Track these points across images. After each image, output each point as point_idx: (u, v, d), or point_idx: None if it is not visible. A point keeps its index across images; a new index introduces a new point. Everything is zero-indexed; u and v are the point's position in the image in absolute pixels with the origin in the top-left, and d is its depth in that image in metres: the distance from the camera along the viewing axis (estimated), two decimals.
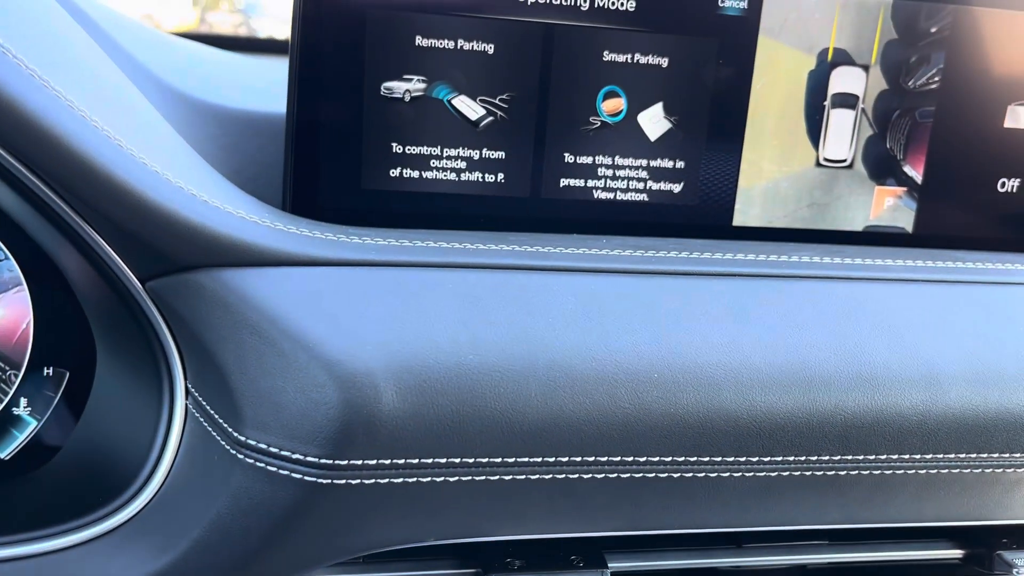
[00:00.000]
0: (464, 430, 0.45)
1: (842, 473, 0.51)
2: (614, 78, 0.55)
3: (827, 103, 0.58)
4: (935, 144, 0.60)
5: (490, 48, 0.54)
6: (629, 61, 0.55)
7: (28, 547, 0.49)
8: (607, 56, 0.55)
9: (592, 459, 0.47)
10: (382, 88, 0.53)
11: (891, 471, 0.52)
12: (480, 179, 0.55)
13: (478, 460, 0.46)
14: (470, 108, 0.54)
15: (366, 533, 0.48)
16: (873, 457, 0.51)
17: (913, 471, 0.52)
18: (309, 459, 0.44)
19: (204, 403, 0.48)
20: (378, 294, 0.46)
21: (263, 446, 0.45)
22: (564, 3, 0.54)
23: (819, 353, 0.50)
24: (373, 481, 0.45)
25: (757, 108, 0.57)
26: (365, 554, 0.51)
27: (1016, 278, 0.57)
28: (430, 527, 0.49)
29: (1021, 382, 0.52)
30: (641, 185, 0.57)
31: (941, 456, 0.52)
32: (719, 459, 0.49)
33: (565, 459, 0.47)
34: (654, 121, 0.56)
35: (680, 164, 0.57)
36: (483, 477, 0.47)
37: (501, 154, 0.55)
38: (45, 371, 0.54)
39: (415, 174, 0.54)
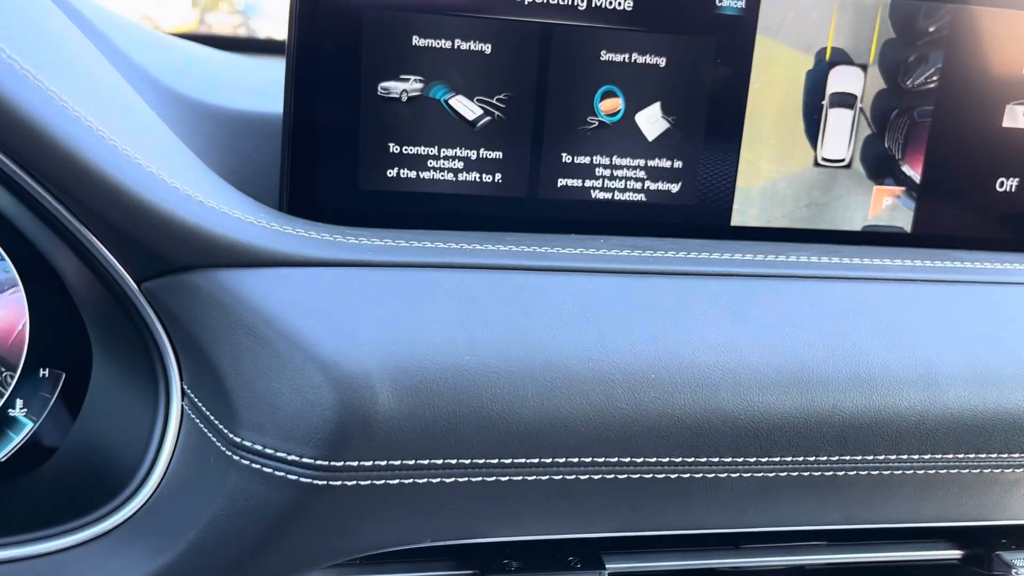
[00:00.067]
0: (461, 431, 0.45)
1: (840, 474, 0.51)
2: (612, 78, 0.55)
3: (825, 103, 0.58)
4: (933, 144, 0.60)
5: (487, 48, 0.54)
6: (627, 61, 0.55)
7: (24, 549, 0.49)
8: (604, 56, 0.55)
9: (589, 460, 0.47)
10: (379, 88, 0.53)
11: (889, 471, 0.51)
12: (477, 179, 0.55)
13: (475, 461, 0.46)
14: (467, 108, 0.54)
15: (362, 534, 0.48)
16: (871, 457, 0.51)
17: (911, 471, 0.52)
18: (305, 460, 0.44)
19: (200, 404, 0.48)
20: (374, 295, 0.46)
21: (259, 447, 0.45)
22: (561, 3, 0.54)
23: (817, 353, 0.49)
24: (369, 482, 0.45)
25: (755, 108, 0.57)
26: (362, 555, 0.51)
27: (1015, 278, 0.57)
28: (427, 528, 0.49)
29: (1019, 382, 0.52)
30: (639, 185, 0.57)
31: (939, 456, 0.52)
32: (716, 460, 0.49)
33: (562, 460, 0.47)
34: (652, 121, 0.56)
35: (678, 164, 0.57)
36: (480, 478, 0.47)
37: (498, 154, 0.55)
38: (41, 373, 0.54)
39: (412, 174, 0.54)
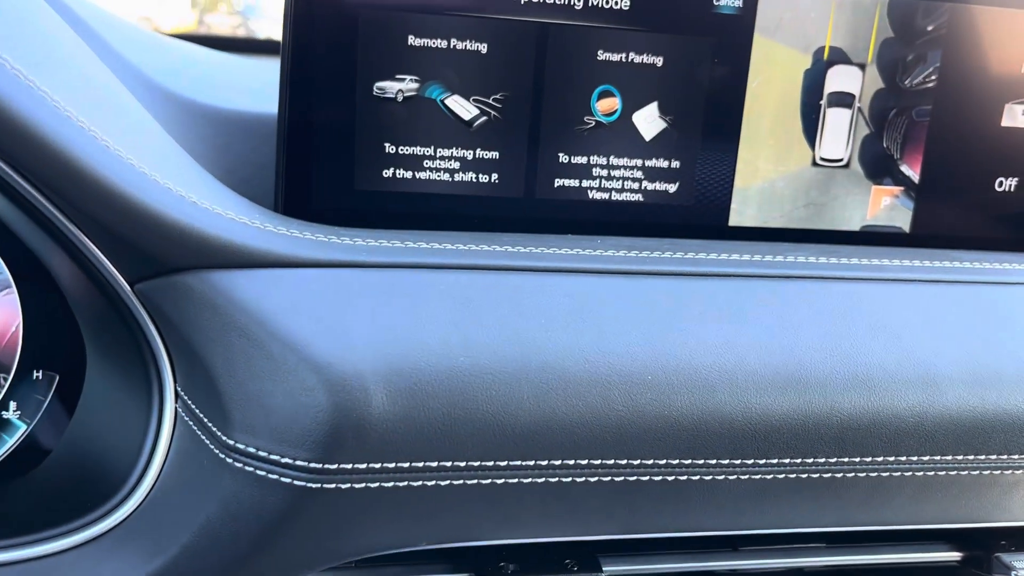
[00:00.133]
0: (456, 433, 0.45)
1: (838, 476, 0.51)
2: (609, 77, 0.55)
3: (823, 102, 0.58)
4: (932, 143, 0.59)
5: (483, 47, 0.53)
6: (624, 60, 0.55)
7: (17, 552, 0.48)
8: (601, 55, 0.55)
9: (585, 462, 0.47)
10: (375, 88, 0.52)
11: (888, 473, 0.51)
12: (474, 179, 0.55)
13: (470, 464, 0.46)
14: (463, 108, 0.54)
15: (357, 538, 0.48)
16: (870, 459, 0.50)
17: (910, 473, 0.52)
18: (298, 463, 0.44)
19: (193, 406, 0.48)
20: (368, 296, 0.46)
21: (252, 450, 0.45)
22: (558, 2, 0.53)
23: (815, 354, 0.49)
24: (364, 485, 0.45)
25: (753, 107, 0.57)
26: (357, 559, 0.51)
27: (1014, 278, 0.56)
28: (422, 531, 0.49)
29: (1019, 383, 0.51)
30: (636, 185, 0.57)
31: (939, 458, 0.51)
32: (714, 462, 0.48)
33: (558, 462, 0.47)
34: (649, 121, 0.56)
35: (675, 164, 0.57)
36: (475, 481, 0.46)
37: (495, 154, 0.55)
38: (35, 374, 0.54)
39: (408, 175, 0.54)
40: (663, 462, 0.48)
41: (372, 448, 0.44)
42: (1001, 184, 0.61)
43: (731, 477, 0.49)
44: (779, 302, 0.51)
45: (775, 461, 0.49)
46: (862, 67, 0.58)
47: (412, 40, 0.52)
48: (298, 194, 0.53)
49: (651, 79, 0.55)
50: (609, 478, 0.48)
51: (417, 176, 0.54)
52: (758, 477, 0.50)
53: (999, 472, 0.53)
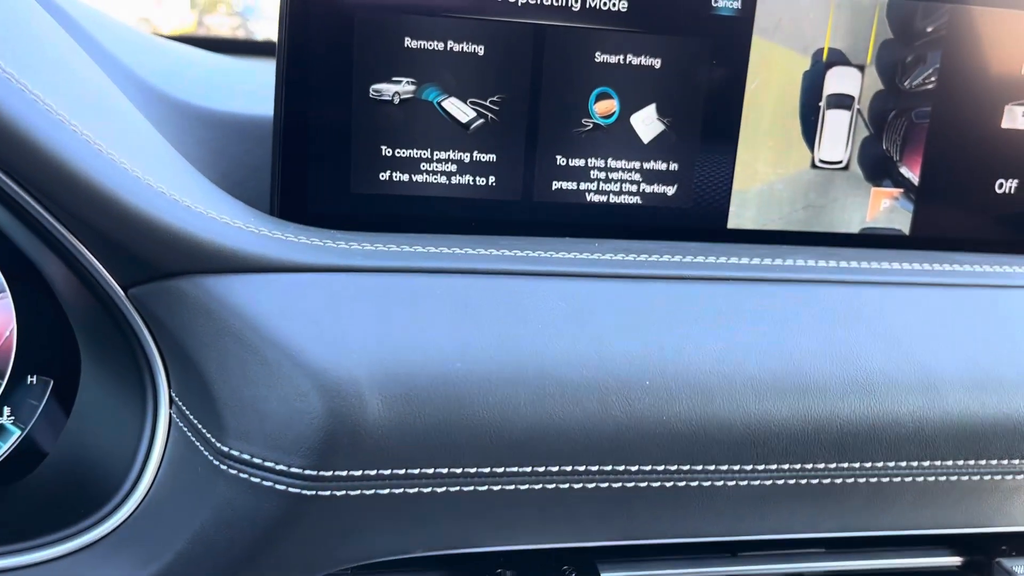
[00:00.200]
0: (452, 439, 0.44)
1: (838, 481, 0.50)
2: (606, 79, 0.55)
3: (822, 104, 0.58)
4: (932, 145, 0.59)
5: (480, 49, 0.53)
6: (622, 62, 0.55)
7: (10, 559, 0.48)
8: (599, 57, 0.54)
9: (583, 468, 0.47)
10: (371, 90, 0.52)
11: (888, 479, 0.51)
12: (471, 182, 0.55)
13: (466, 470, 0.45)
14: (460, 110, 0.53)
15: (352, 545, 0.48)
16: (870, 465, 0.50)
17: (910, 478, 0.51)
18: (293, 470, 0.44)
19: (187, 412, 0.47)
20: (364, 300, 0.46)
21: (246, 457, 0.44)
22: (555, 4, 0.53)
23: (814, 358, 0.49)
24: (359, 492, 0.45)
25: (751, 109, 0.57)
26: (353, 566, 0.50)
27: (1014, 281, 0.56)
28: (418, 538, 0.49)
29: (1020, 387, 0.51)
30: (634, 188, 0.56)
31: (939, 463, 0.51)
32: (712, 468, 0.48)
33: (555, 469, 0.46)
34: (647, 123, 0.56)
35: (674, 166, 0.56)
36: (471, 488, 0.46)
37: (492, 157, 0.54)
38: (29, 380, 0.54)
39: (405, 177, 0.54)
40: (661, 468, 0.48)
41: (367, 454, 0.44)
42: (1001, 186, 0.61)
43: (730, 483, 0.49)
44: (778, 306, 0.51)
45: (774, 467, 0.49)
46: (861, 68, 0.58)
47: (408, 42, 0.52)
48: (294, 197, 0.53)
49: (649, 81, 0.55)
50: (607, 484, 0.47)
51: (414, 179, 0.54)
52: (757, 483, 0.49)
53: (1000, 477, 0.53)
